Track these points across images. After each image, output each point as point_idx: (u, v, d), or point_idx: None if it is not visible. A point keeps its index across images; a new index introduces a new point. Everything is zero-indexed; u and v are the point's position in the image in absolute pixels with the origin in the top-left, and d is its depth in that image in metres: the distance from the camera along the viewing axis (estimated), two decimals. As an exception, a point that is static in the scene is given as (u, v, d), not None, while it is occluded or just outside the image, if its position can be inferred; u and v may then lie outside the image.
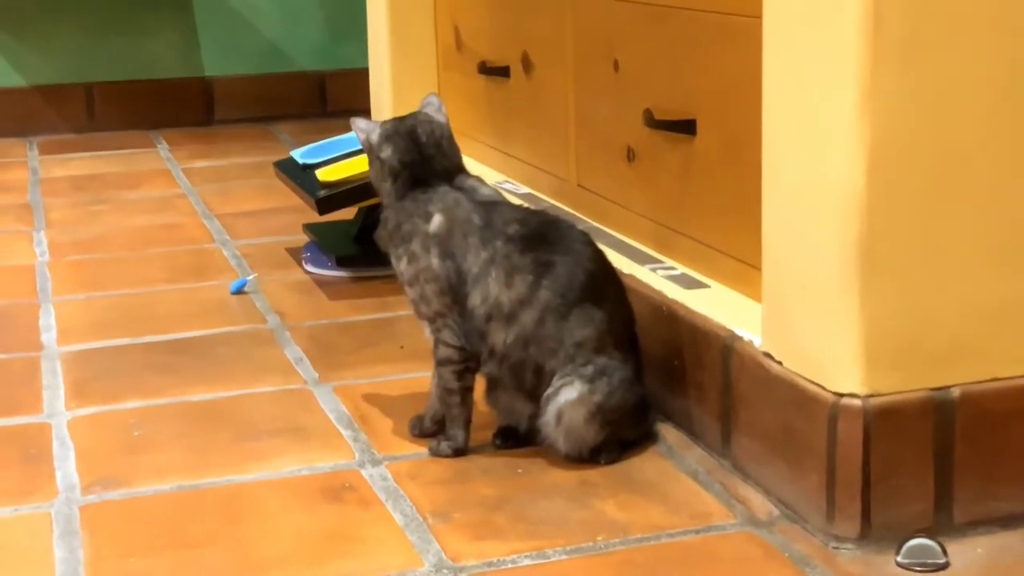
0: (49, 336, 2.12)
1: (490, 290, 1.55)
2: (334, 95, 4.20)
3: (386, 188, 1.63)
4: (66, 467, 1.62)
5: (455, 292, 1.57)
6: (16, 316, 2.24)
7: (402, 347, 2.01)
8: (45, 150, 3.78)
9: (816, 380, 1.38)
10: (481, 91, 2.64)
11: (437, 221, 1.58)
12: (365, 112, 3.10)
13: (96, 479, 1.58)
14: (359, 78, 3.43)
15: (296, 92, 4.18)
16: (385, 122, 1.65)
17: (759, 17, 1.47)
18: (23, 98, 3.97)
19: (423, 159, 1.61)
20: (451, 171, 1.62)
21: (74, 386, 1.89)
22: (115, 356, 2.03)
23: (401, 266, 1.60)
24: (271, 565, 1.36)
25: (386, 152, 1.62)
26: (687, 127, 1.78)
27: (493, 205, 1.60)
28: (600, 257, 1.60)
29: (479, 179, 1.64)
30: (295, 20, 4.18)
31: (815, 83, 1.35)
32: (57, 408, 1.81)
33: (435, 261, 1.57)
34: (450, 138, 1.64)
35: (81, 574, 1.36)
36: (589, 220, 2.11)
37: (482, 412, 1.64)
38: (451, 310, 1.57)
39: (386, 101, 3.03)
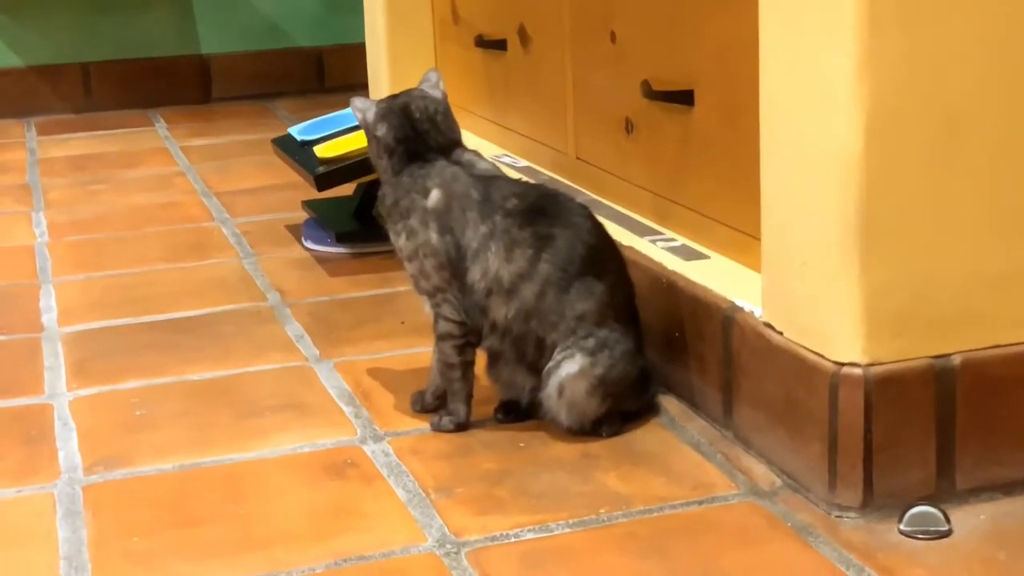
0: (50, 317, 2.12)
1: (490, 264, 1.55)
2: (332, 70, 4.18)
3: (383, 165, 1.63)
4: (68, 447, 1.62)
5: (454, 267, 1.56)
6: (16, 297, 2.23)
7: (403, 322, 2.01)
8: (43, 130, 3.77)
9: (817, 349, 1.38)
10: (479, 64, 2.63)
11: (435, 196, 1.57)
12: (363, 87, 3.09)
13: (98, 459, 1.58)
14: (357, 53, 3.42)
15: (293, 68, 4.16)
16: (380, 100, 1.65)
17: (755, -15, 1.46)
18: (20, 79, 3.95)
19: (417, 135, 1.61)
20: (447, 146, 1.62)
21: (75, 366, 1.89)
22: (116, 336, 2.03)
23: (400, 241, 1.60)
24: (274, 542, 1.37)
25: (381, 130, 1.62)
26: (685, 97, 1.77)
27: (491, 179, 1.60)
28: (600, 230, 1.59)
29: (477, 153, 1.64)
30: (291, -6, 4.16)
31: (812, 49, 1.35)
32: (59, 389, 1.81)
33: (434, 236, 1.57)
34: (446, 113, 1.64)
35: (85, 554, 1.36)
36: (588, 192, 2.10)
37: (483, 386, 1.64)
38: (451, 285, 1.57)
39: (383, 76, 3.02)
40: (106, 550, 1.37)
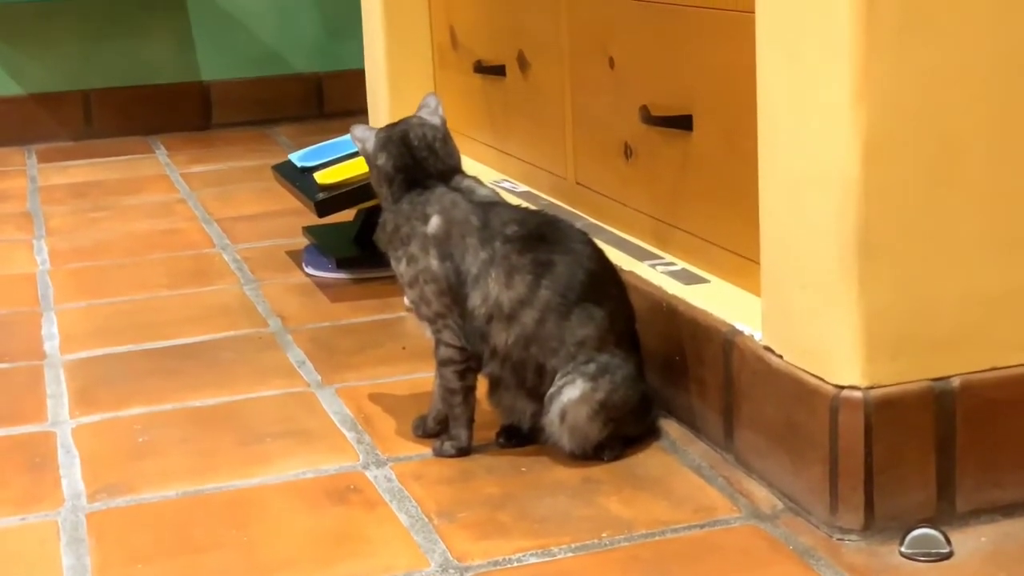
0: (52, 344, 2.13)
1: (490, 291, 1.55)
2: (331, 96, 4.20)
3: (383, 193, 1.64)
4: (72, 475, 1.62)
5: (455, 293, 1.57)
6: (18, 325, 2.24)
7: (404, 348, 2.02)
8: (44, 158, 3.79)
9: (817, 373, 1.39)
10: (478, 90, 2.64)
11: (435, 222, 1.58)
12: (362, 112, 3.10)
13: (102, 486, 1.58)
14: (356, 79, 3.43)
15: (293, 94, 4.19)
16: (380, 129, 1.66)
17: (752, 12, 1.47)
18: (21, 106, 3.97)
19: (416, 162, 1.62)
20: (447, 172, 1.63)
21: (78, 394, 1.90)
22: (118, 363, 2.03)
23: (401, 268, 1.61)
24: (278, 568, 1.37)
25: (381, 159, 1.63)
26: (684, 123, 1.78)
27: (491, 205, 1.60)
28: (600, 256, 1.60)
29: (476, 179, 1.65)
30: (290, 22, 4.18)
31: (809, 74, 1.36)
32: (61, 416, 1.82)
33: (434, 262, 1.58)
34: (445, 139, 1.65)
35: (89, 581, 1.36)
36: (588, 217, 2.11)
37: (485, 411, 1.64)
38: (451, 311, 1.58)
39: (383, 102, 3.03)
40: (110, 577, 1.37)
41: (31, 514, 1.52)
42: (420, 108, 1.68)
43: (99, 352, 2.08)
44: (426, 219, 1.59)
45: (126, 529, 1.48)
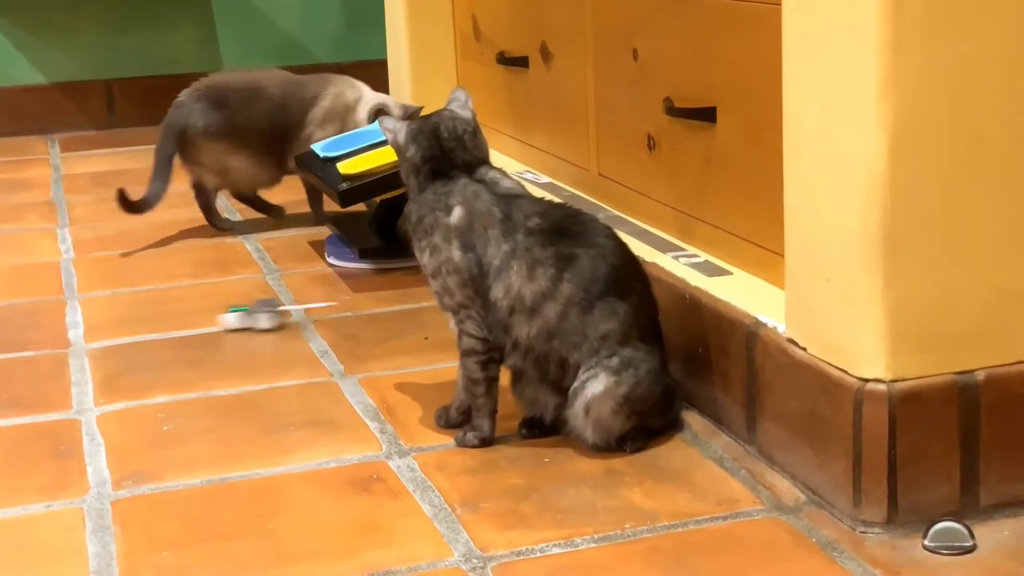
0: (76, 332, 2.14)
1: (512, 283, 1.56)
2: (352, 87, 4.21)
3: (411, 183, 1.64)
4: (97, 462, 1.63)
5: (477, 284, 1.58)
6: (43, 313, 2.25)
7: (426, 338, 2.02)
8: (67, 147, 3.80)
9: (841, 365, 1.39)
10: (500, 81, 2.64)
11: (457, 213, 1.59)
12: (384, 104, 3.10)
13: (127, 474, 1.59)
14: (377, 69, 3.44)
15: (315, 84, 4.19)
16: (411, 121, 1.66)
17: (778, 4, 1.47)
18: (45, 96, 3.99)
19: (443, 153, 1.62)
20: (473, 164, 1.63)
21: (102, 382, 1.91)
22: (142, 351, 2.04)
23: (424, 258, 1.61)
24: (302, 557, 1.38)
25: (411, 151, 1.63)
26: (707, 115, 1.78)
27: (514, 198, 1.61)
28: (623, 250, 1.60)
29: (502, 171, 1.65)
30: (313, 12, 4.19)
31: (835, 67, 1.35)
32: (86, 404, 1.83)
33: (456, 253, 1.58)
34: (474, 132, 1.65)
35: (114, 568, 1.37)
36: (610, 209, 2.12)
37: (508, 402, 1.65)
38: (473, 302, 1.58)
39: (405, 92, 3.04)
40: (136, 564, 1.38)
41: (57, 501, 1.53)
42: (450, 102, 1.68)
43: (123, 341, 2.09)
44: (449, 210, 1.59)
45: (151, 517, 1.49)
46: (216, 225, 2.74)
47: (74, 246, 2.69)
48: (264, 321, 2.09)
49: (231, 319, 2.11)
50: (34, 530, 1.47)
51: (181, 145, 2.67)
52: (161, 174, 2.67)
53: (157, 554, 1.40)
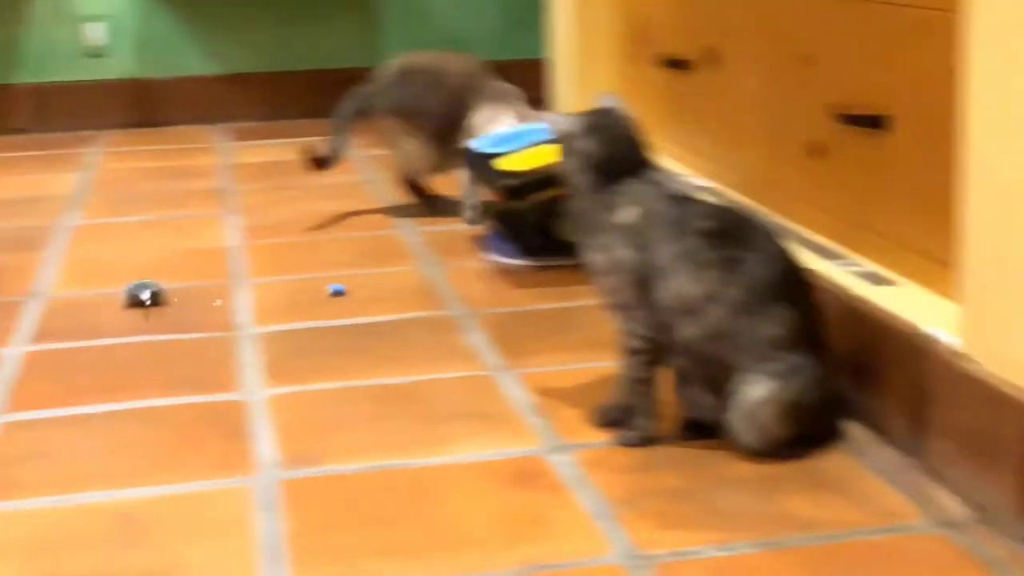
0: (244, 317, 2.21)
1: (680, 284, 1.56)
2: (511, 83, 4.24)
3: (583, 180, 1.65)
4: (265, 444, 1.68)
5: (645, 284, 1.59)
6: (211, 297, 2.33)
7: (586, 336, 2.04)
8: (235, 136, 3.91)
9: (1015, 380, 1.36)
10: (663, 84, 2.65)
11: (631, 213, 1.60)
12: (540, 102, 3.13)
13: (294, 455, 1.64)
14: (535, 68, 3.47)
15: (474, 82, 4.24)
16: (581, 115, 1.67)
17: (954, 11, 1.45)
18: (215, 86, 4.11)
19: (623, 152, 1.63)
20: (644, 165, 1.64)
21: (270, 366, 1.97)
22: (307, 337, 2.10)
23: (593, 256, 1.63)
24: (463, 545, 1.40)
25: (586, 144, 1.64)
26: (878, 122, 1.76)
27: (684, 200, 1.61)
28: (790, 256, 1.60)
29: (670, 173, 1.66)
30: (472, 10, 4.24)
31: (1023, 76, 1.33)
32: (254, 387, 1.89)
33: (627, 252, 1.59)
34: (640, 133, 1.66)
35: (283, 546, 1.42)
36: (773, 215, 2.10)
37: (667, 403, 1.66)
38: (640, 301, 1.59)
39: (567, 92, 3.06)
40: (303, 543, 1.42)
41: (227, 479, 1.59)
42: (603, 104, 1.68)
43: (288, 327, 2.15)
44: (622, 210, 1.60)
45: (317, 498, 1.53)
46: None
47: (241, 232, 2.77)
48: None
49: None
50: (205, 506, 1.52)
51: (363, 117, 2.77)
52: (340, 136, 2.75)
53: (323, 534, 1.44)
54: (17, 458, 1.66)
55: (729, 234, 1.58)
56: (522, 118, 2.70)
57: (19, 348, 2.07)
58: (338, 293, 2.30)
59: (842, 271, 1.78)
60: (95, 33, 4.07)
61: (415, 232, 2.72)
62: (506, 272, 2.42)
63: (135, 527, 1.47)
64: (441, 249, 2.58)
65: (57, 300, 2.32)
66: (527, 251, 2.45)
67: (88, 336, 2.12)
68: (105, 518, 1.49)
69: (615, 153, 1.63)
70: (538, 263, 2.43)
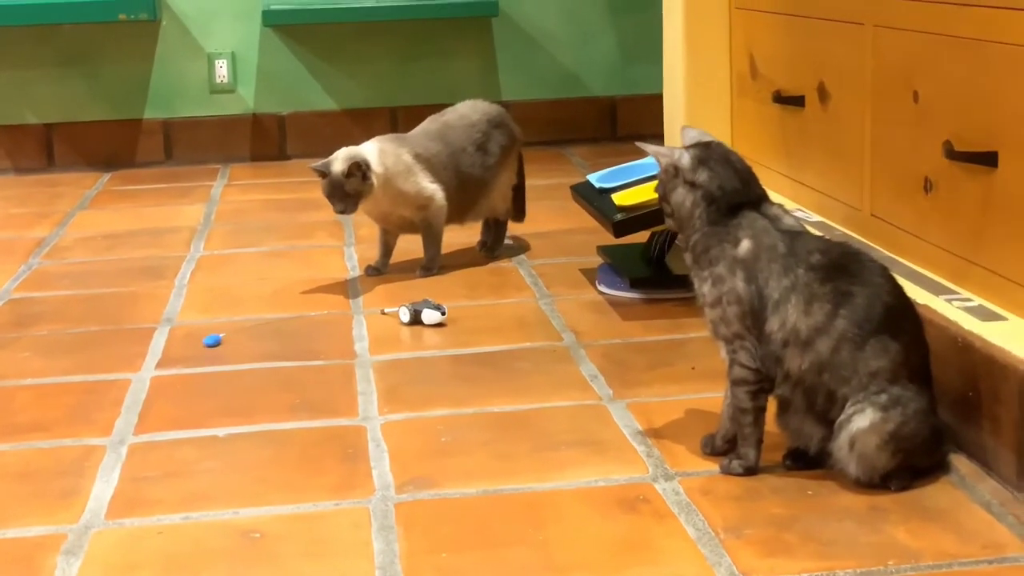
0: (362, 345, 2.28)
1: (789, 316, 1.60)
2: (624, 119, 4.30)
3: (698, 213, 1.67)
4: (381, 467, 1.74)
5: (755, 316, 1.62)
6: (332, 326, 2.40)
7: (693, 368, 2.07)
8: (353, 170, 4.00)
9: (1119, 417, 1.37)
10: (775, 119, 2.67)
11: (745, 246, 1.64)
12: (654, 136, 3.17)
13: (409, 479, 1.70)
14: (649, 103, 3.51)
15: (587, 116, 4.30)
16: (689, 148, 1.71)
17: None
18: (334, 120, 4.22)
19: (741, 185, 1.67)
20: (759, 199, 1.68)
21: (386, 392, 2.03)
22: (422, 366, 2.16)
23: (704, 288, 1.67)
24: (572, 568, 1.45)
25: (702, 176, 1.67)
26: (989, 159, 1.78)
27: (797, 234, 1.65)
28: (898, 291, 1.62)
29: (783, 208, 1.69)
30: (589, 46, 4.30)
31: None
32: (371, 412, 1.95)
33: (740, 284, 1.63)
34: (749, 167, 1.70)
35: (398, 565, 1.47)
36: (882, 249, 2.12)
37: (772, 433, 1.68)
38: (749, 332, 1.63)
39: (679, 127, 3.09)
40: (417, 563, 1.48)
41: (345, 500, 1.65)
42: (692, 139, 1.72)
43: (404, 356, 2.22)
44: (737, 242, 1.64)
45: (431, 520, 1.58)
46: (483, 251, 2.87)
47: (360, 263, 2.85)
48: (428, 317, 2.34)
49: (403, 314, 2.36)
50: (324, 526, 1.59)
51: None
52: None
53: (437, 555, 1.49)
54: (148, 478, 1.74)
55: (839, 268, 1.61)
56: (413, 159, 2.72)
57: (149, 372, 2.17)
58: (214, 344, 2.28)
59: (951, 306, 1.79)
60: (220, 70, 4.21)
61: (526, 265, 2.78)
62: (616, 304, 2.46)
63: (259, 545, 1.54)
64: (553, 281, 2.63)
65: (183, 327, 2.42)
66: (636, 284, 2.49)
67: (213, 362, 2.21)
68: (230, 535, 1.56)
69: (734, 188, 1.67)
70: (647, 296, 2.47)
